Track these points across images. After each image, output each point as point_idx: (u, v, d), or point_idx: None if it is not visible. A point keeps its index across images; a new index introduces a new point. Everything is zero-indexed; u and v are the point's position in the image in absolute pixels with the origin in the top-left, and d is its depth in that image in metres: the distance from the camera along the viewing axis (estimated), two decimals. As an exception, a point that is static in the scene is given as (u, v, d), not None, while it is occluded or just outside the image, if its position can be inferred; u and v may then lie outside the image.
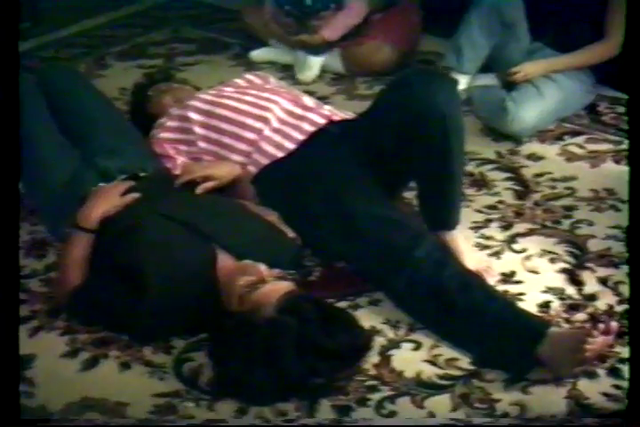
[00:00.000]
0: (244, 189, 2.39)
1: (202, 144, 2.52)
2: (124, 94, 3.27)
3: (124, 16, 4.48)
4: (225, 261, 2.06)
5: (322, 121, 2.48)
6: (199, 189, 2.30)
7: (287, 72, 3.67)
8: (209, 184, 2.33)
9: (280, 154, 2.40)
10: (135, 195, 2.23)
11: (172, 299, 1.99)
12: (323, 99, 3.38)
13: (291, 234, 2.26)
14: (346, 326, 1.92)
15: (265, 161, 2.41)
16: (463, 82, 3.21)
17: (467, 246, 2.35)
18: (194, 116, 2.54)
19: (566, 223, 2.55)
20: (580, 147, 2.99)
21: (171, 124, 2.59)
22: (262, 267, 1.99)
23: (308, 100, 2.61)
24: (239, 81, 2.78)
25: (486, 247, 2.45)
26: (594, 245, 2.44)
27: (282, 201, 2.32)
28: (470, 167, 2.85)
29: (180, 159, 2.55)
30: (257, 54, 3.80)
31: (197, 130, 2.52)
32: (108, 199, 2.21)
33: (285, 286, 1.95)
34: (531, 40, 3.20)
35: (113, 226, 2.16)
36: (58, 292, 2.20)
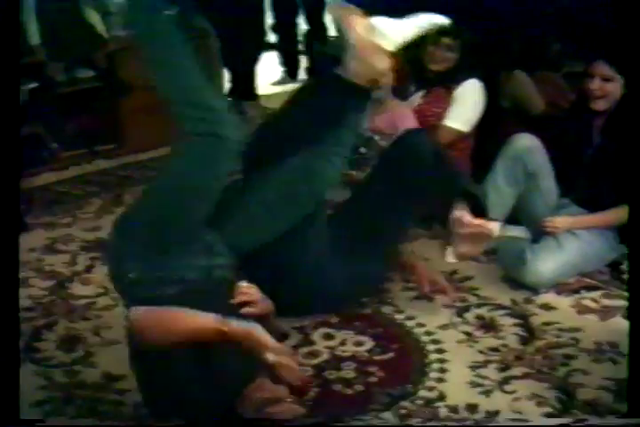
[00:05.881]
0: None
1: None
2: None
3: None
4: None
5: None
6: (243, 310, 2.47)
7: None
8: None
9: None
10: None
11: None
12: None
13: None
14: None
15: None
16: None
17: None
18: None
19: (562, 371, 2.65)
20: (595, 301, 3.08)
21: None
22: (281, 388, 2.22)
23: None
24: None
25: (479, 385, 2.57)
26: (583, 394, 2.52)
27: None
28: (483, 311, 3.00)
29: None
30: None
31: None
32: None
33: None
34: (559, 196, 3.34)
35: None
36: None
